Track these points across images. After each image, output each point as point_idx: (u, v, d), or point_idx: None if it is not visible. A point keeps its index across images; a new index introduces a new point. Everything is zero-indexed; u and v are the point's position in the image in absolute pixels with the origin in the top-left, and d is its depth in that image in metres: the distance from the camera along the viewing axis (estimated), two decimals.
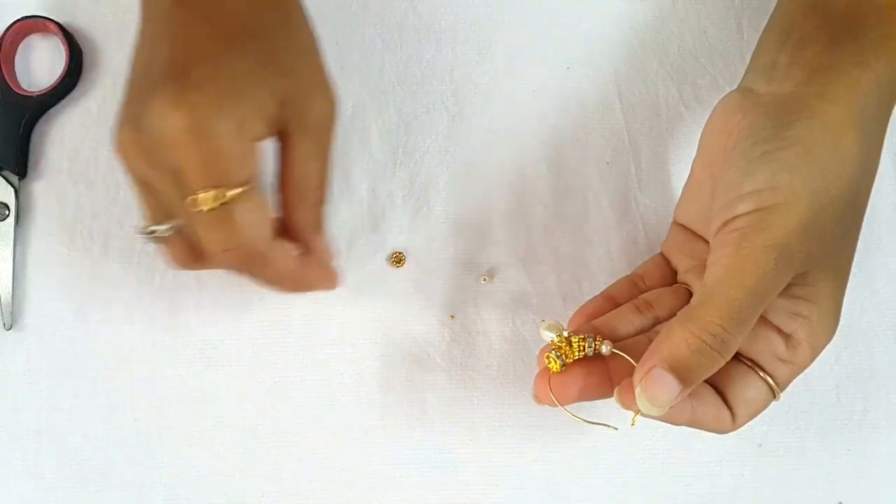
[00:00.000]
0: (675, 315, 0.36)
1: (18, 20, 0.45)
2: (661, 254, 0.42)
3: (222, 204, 0.33)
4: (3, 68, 0.45)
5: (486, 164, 0.46)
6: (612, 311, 0.39)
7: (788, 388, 0.43)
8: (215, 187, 0.32)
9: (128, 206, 0.45)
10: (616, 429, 0.37)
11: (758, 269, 0.32)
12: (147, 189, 0.36)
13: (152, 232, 0.36)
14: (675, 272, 0.41)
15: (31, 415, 0.43)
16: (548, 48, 0.47)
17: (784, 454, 0.43)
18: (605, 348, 0.36)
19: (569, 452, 0.43)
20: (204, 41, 0.34)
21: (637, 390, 0.33)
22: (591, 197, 0.45)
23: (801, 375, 0.43)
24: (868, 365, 0.44)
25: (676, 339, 0.33)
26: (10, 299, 0.44)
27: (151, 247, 0.37)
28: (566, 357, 0.36)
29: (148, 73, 0.35)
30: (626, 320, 0.38)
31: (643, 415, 0.34)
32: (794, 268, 0.33)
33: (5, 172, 0.45)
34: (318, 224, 0.39)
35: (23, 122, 0.45)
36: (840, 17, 0.36)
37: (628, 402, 0.34)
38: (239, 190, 0.33)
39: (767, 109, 0.35)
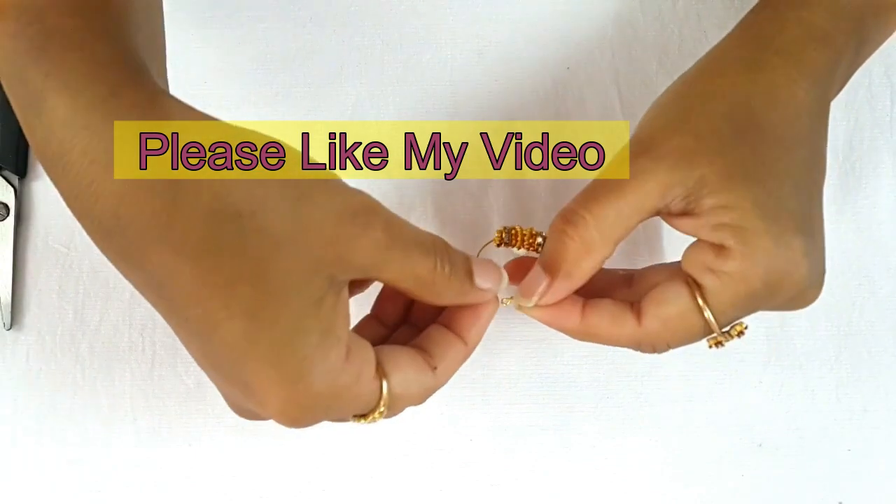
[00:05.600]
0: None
1: None
2: None
3: (381, 414, 0.31)
4: None
5: (486, 163, 0.46)
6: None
7: (788, 388, 0.44)
8: (362, 417, 0.31)
9: None
10: (509, 299, 0.36)
11: (614, 160, 0.34)
12: None
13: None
14: None
15: (31, 415, 0.43)
16: (548, 48, 0.47)
17: (784, 454, 0.43)
18: None
19: (568, 453, 0.43)
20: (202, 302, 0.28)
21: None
22: None
23: (800, 375, 0.44)
24: (868, 365, 0.44)
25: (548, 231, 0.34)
26: (9, 299, 0.44)
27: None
28: (514, 241, 0.36)
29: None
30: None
31: (517, 307, 0.36)
32: (668, 158, 0.32)
33: (5, 172, 0.44)
34: (458, 289, 0.33)
35: None
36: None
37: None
38: (382, 406, 0.30)
39: None
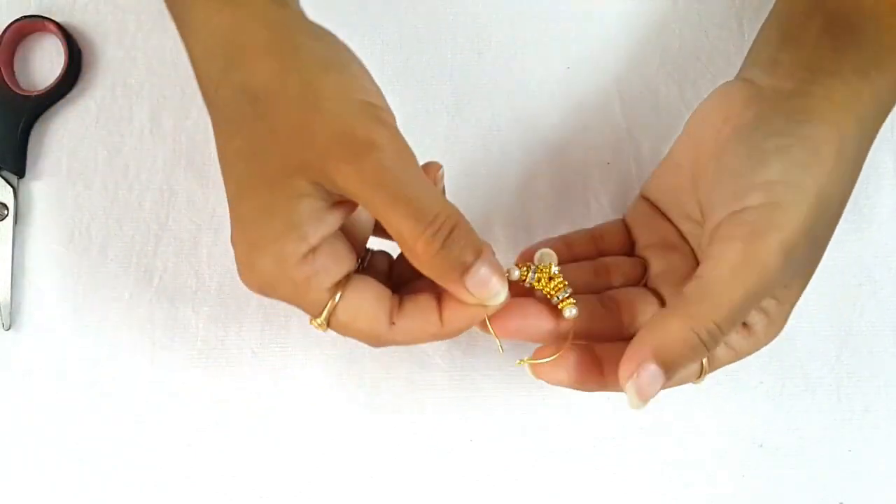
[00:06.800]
0: (627, 285, 0.38)
1: (17, 20, 0.45)
2: (623, 220, 0.42)
3: (322, 326, 0.33)
4: (1, 68, 0.45)
5: (486, 164, 0.46)
6: (572, 265, 0.39)
7: (789, 388, 0.44)
8: (315, 316, 0.33)
9: (126, 205, 0.45)
10: (502, 349, 0.36)
11: (765, 271, 0.31)
12: None
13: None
14: (633, 242, 0.41)
15: (30, 415, 0.43)
16: (548, 48, 0.47)
17: (784, 454, 0.43)
18: (569, 312, 0.35)
19: (568, 453, 0.43)
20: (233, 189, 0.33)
21: (628, 384, 0.32)
22: (591, 197, 0.45)
23: (801, 375, 0.44)
24: (868, 365, 0.44)
25: (673, 334, 0.32)
26: (8, 300, 0.44)
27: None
28: (535, 283, 0.35)
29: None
30: (583, 279, 0.38)
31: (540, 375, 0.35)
32: (794, 269, 0.32)
33: (4, 172, 0.44)
34: (440, 269, 0.31)
35: (22, 121, 0.45)
36: (841, 19, 0.36)
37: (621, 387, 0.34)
38: (321, 318, 0.33)
39: (774, 104, 0.35)
